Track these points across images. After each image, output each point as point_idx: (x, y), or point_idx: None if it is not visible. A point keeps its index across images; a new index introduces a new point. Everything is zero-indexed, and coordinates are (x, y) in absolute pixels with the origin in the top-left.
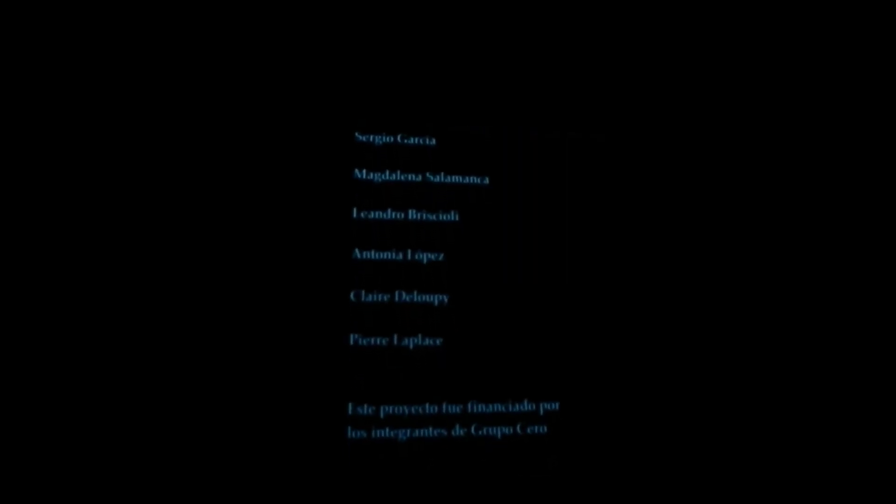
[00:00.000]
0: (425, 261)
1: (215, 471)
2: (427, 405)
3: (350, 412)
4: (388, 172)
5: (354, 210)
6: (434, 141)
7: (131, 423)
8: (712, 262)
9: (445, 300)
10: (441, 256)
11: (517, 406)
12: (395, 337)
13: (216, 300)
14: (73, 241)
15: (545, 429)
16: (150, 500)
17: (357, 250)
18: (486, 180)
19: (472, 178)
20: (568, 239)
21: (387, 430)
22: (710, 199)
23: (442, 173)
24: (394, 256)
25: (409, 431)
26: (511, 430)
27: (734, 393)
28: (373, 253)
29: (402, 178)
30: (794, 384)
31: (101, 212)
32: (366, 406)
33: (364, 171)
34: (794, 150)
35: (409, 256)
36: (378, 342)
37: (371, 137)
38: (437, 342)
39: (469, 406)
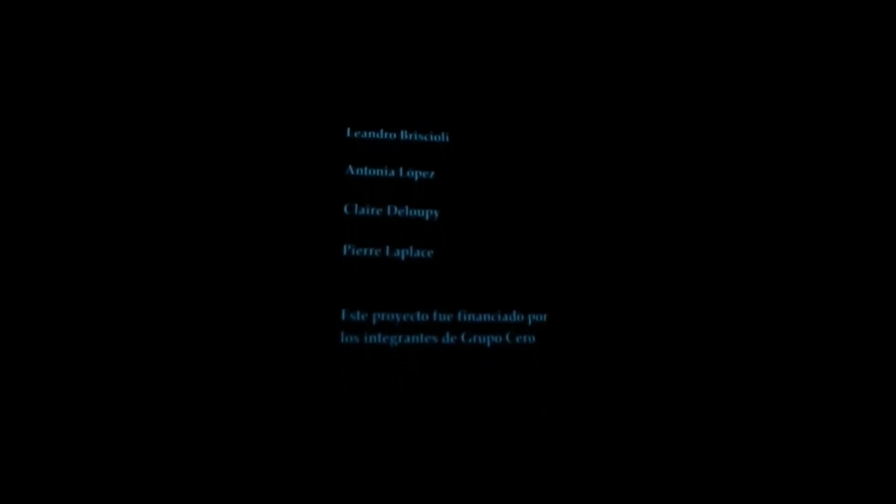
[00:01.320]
0: (416, 178)
1: (214, 369)
2: (418, 313)
3: (343, 318)
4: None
5: (348, 130)
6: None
7: (131, 351)
8: (701, 180)
9: (436, 215)
10: (432, 174)
11: (506, 316)
12: (388, 248)
13: (216, 213)
14: (60, 228)
15: (533, 339)
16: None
17: (350, 167)
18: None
19: (463, 100)
20: (558, 158)
21: (379, 335)
22: (695, 131)
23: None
24: (386, 174)
25: (400, 338)
26: (500, 338)
27: (716, 310)
28: (366, 170)
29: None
30: (773, 315)
31: (76, 176)
32: (359, 312)
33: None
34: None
35: (401, 174)
36: (371, 253)
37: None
38: (428, 254)
39: (459, 315)
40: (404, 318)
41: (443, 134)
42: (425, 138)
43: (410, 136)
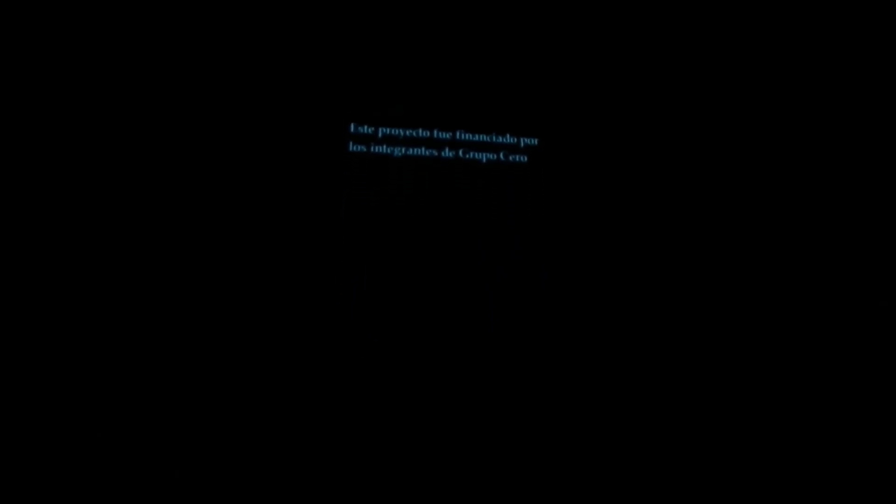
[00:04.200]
0: None
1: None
2: (420, 130)
3: (352, 130)
4: None
5: None
6: None
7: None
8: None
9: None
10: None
11: (500, 138)
12: None
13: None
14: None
15: (525, 158)
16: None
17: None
18: None
19: None
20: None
21: (384, 147)
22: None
23: None
24: None
25: (403, 150)
26: (494, 156)
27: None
28: None
29: None
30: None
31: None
32: (366, 126)
33: None
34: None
35: None
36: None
37: None
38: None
39: (458, 134)
40: (407, 133)
41: None
42: None
43: None
